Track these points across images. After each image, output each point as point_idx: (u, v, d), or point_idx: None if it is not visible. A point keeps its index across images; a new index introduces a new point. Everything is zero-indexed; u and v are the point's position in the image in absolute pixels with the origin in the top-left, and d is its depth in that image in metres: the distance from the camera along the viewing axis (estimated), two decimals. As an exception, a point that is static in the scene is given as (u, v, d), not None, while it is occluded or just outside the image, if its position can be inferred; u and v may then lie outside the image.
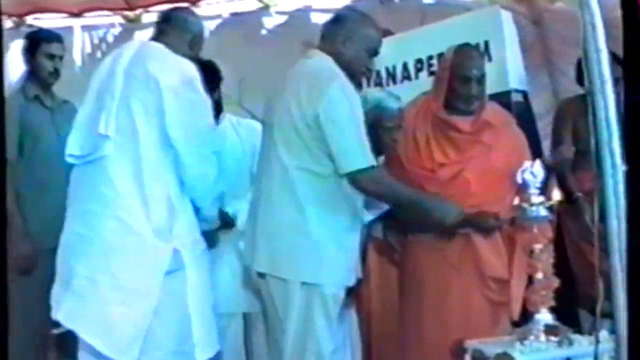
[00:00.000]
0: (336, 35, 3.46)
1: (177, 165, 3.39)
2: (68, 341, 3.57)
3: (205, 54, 6.58)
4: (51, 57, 4.34)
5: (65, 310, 3.31)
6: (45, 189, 4.21)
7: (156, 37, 3.59)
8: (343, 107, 3.29)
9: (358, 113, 3.36)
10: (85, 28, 6.88)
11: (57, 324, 3.51)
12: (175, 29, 3.59)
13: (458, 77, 3.83)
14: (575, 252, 4.52)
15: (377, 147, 3.88)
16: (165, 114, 3.33)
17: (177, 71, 3.39)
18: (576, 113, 4.59)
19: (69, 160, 3.48)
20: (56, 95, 4.44)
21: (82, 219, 3.38)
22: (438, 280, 3.81)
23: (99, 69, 3.55)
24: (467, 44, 3.97)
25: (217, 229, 3.81)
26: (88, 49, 6.87)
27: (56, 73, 4.37)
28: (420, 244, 3.86)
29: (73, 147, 3.46)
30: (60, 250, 3.46)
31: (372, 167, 3.33)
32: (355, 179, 3.32)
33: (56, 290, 3.39)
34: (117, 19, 6.92)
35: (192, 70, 3.43)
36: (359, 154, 3.30)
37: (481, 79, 3.86)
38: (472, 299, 3.80)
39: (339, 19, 3.55)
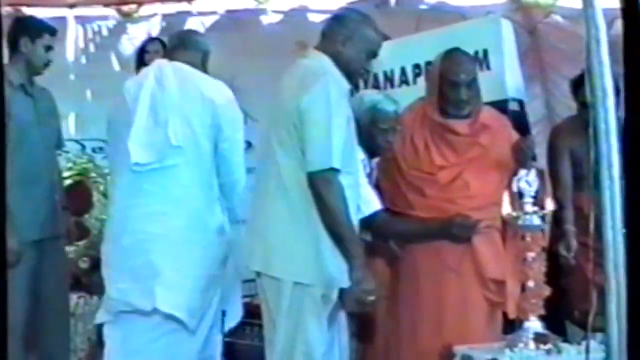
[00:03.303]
0: (337, 34, 3.42)
1: (219, 171, 3.77)
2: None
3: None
4: (49, 48, 4.33)
5: (162, 300, 3.65)
6: (30, 181, 4.17)
7: (173, 58, 3.82)
8: (322, 104, 3.23)
9: (339, 116, 3.27)
10: (79, 20, 6.84)
11: None
12: (188, 50, 3.87)
13: (447, 83, 3.82)
14: (568, 264, 4.51)
15: (372, 149, 3.90)
16: (221, 128, 3.72)
17: (224, 92, 3.80)
18: (572, 137, 4.58)
19: (136, 169, 3.70)
20: (35, 82, 4.41)
21: (152, 219, 3.71)
22: (436, 285, 3.81)
23: (140, 83, 3.80)
24: (456, 49, 3.93)
25: None
26: (81, 43, 6.83)
27: (49, 64, 4.37)
28: (417, 249, 3.86)
29: (138, 156, 3.70)
30: (127, 249, 3.72)
31: (333, 169, 3.22)
32: (312, 178, 3.23)
33: (126, 285, 3.71)
34: (111, 12, 6.88)
35: (230, 91, 3.84)
36: (324, 154, 3.20)
37: (471, 84, 3.84)
38: (471, 301, 3.81)
39: (340, 18, 3.51)
